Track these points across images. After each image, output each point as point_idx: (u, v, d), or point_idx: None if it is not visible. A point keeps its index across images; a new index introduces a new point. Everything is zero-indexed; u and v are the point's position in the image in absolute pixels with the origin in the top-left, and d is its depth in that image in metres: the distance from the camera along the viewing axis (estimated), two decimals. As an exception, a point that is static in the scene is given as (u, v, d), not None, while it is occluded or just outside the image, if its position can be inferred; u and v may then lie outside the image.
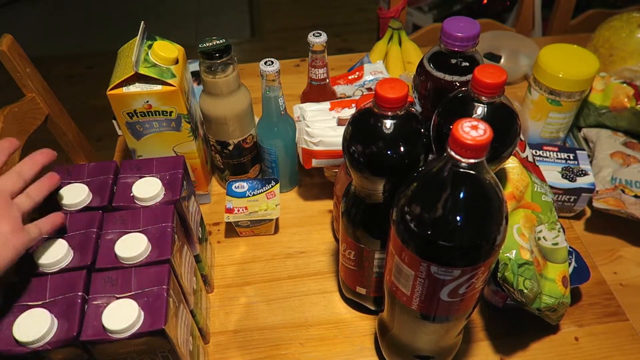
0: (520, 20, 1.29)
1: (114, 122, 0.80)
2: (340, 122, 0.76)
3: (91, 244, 0.52)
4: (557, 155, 0.81)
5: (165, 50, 0.69)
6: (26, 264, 0.50)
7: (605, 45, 0.95)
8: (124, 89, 0.67)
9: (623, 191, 0.75)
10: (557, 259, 0.62)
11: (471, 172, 0.40)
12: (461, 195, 0.41)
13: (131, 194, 0.57)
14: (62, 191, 0.56)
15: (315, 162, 0.76)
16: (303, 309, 0.70)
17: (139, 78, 0.67)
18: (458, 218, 0.41)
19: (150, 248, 0.51)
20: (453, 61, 0.58)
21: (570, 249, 0.66)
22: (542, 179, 0.70)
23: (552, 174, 0.77)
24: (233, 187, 0.79)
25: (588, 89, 0.82)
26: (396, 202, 0.46)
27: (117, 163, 0.61)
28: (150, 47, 0.69)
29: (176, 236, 0.54)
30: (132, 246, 0.51)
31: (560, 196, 0.77)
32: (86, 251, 0.51)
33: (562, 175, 0.78)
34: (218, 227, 0.82)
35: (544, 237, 0.62)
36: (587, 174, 0.77)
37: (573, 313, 0.69)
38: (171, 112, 0.70)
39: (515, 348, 0.65)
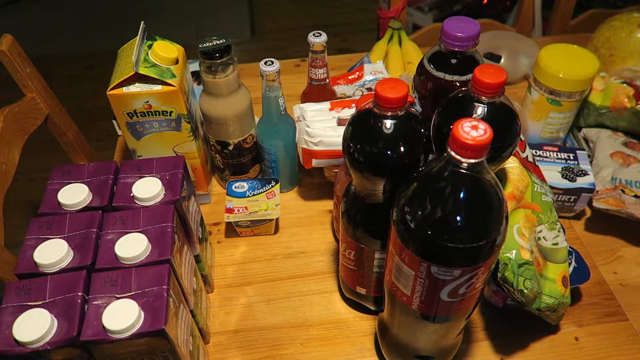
0: (520, 20, 1.29)
1: (114, 122, 0.80)
2: (340, 122, 0.76)
3: (91, 244, 0.52)
4: (557, 155, 0.81)
5: (165, 50, 0.69)
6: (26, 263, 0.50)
7: (605, 45, 0.95)
8: (124, 89, 0.67)
9: (623, 191, 0.75)
10: (557, 259, 0.62)
11: (471, 172, 0.40)
12: (461, 195, 0.41)
13: (131, 194, 0.57)
14: (63, 191, 0.56)
15: (315, 162, 0.76)
16: (303, 309, 0.70)
17: (139, 78, 0.67)
18: (458, 218, 0.41)
19: (150, 248, 0.51)
20: (453, 61, 0.58)
21: (570, 249, 0.66)
22: (542, 179, 0.70)
23: (552, 174, 0.77)
24: (233, 187, 0.79)
25: (588, 89, 0.82)
26: (396, 202, 0.46)
27: (117, 163, 0.61)
28: (150, 47, 0.69)
29: (176, 236, 0.54)
30: (132, 246, 0.51)
31: (560, 196, 0.77)
32: (86, 251, 0.51)
33: (562, 175, 0.77)
34: (218, 227, 0.82)
35: (544, 237, 0.62)
36: (587, 174, 0.77)
37: (573, 313, 0.69)
38: (171, 112, 0.70)
39: (515, 348, 0.65)
